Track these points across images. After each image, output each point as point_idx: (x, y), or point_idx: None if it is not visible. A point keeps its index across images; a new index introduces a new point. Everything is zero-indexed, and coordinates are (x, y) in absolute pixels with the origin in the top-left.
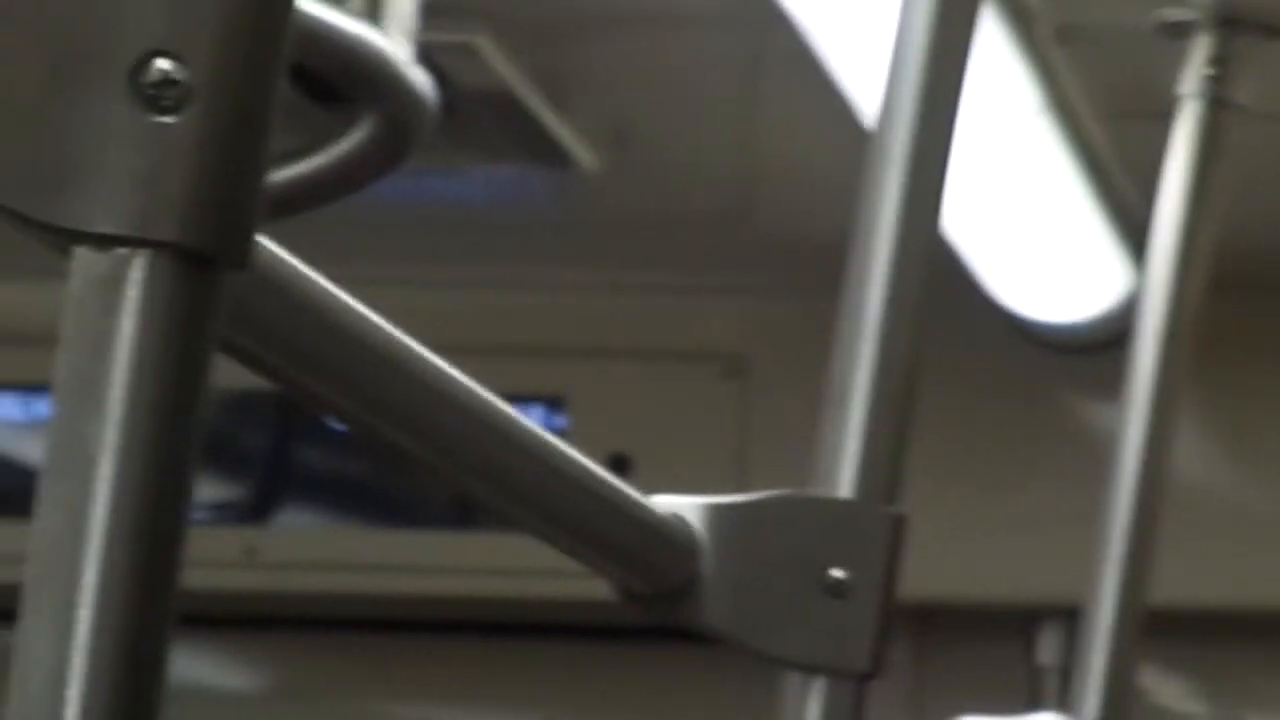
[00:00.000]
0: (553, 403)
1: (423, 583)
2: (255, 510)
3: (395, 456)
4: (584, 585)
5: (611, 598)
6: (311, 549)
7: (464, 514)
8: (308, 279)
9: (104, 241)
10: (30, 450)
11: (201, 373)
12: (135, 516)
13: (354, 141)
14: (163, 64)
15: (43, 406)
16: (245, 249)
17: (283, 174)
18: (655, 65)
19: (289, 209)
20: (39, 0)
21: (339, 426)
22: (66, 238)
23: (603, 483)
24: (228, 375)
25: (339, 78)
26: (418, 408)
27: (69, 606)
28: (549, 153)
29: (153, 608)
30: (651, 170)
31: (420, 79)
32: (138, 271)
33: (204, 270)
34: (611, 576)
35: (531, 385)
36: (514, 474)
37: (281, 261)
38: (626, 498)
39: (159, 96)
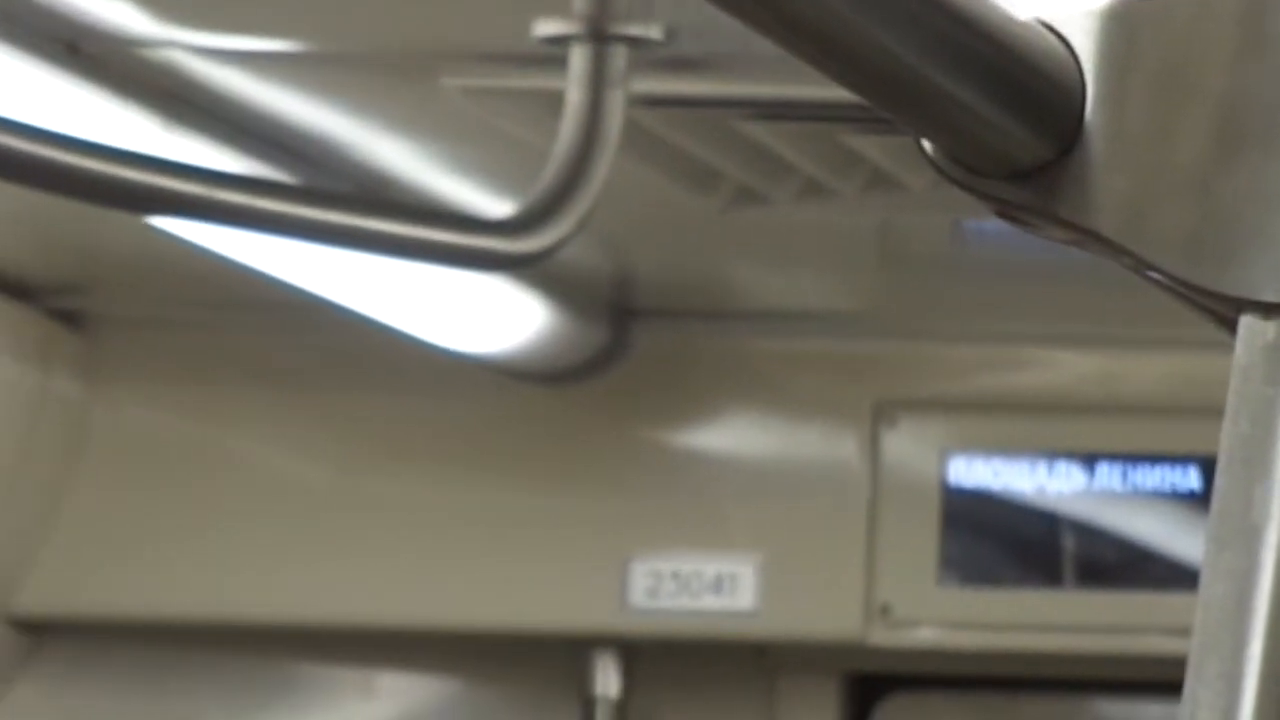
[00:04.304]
0: None
1: None
2: None
3: None
4: None
5: None
6: None
7: None
8: None
9: (1271, 310)
10: (1128, 522)
11: None
12: None
13: None
14: None
15: (1142, 477)
16: None
17: None
18: None
19: None
20: (1234, 65)
21: None
22: (1233, 306)
23: None
24: None
25: None
26: None
27: (1235, 678)
28: None
29: None
30: None
31: None
32: None
33: None
34: None
35: None
36: None
37: None
38: None
39: None
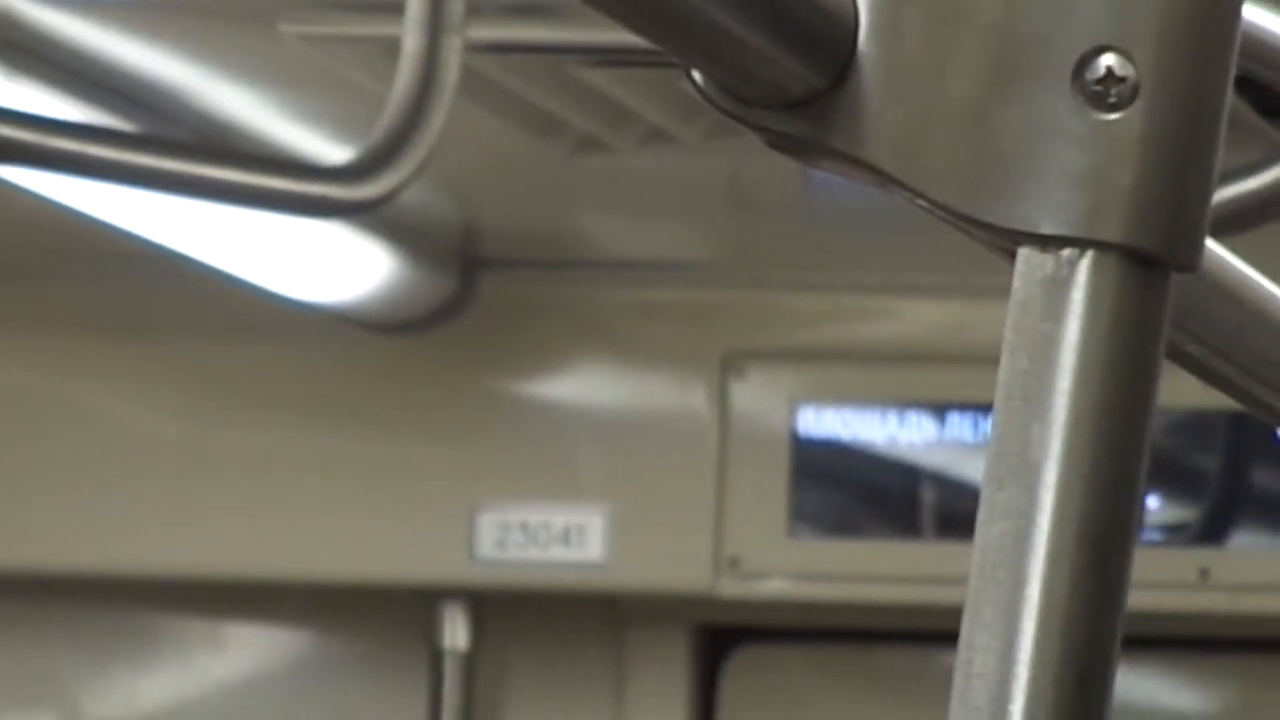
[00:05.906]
0: None
1: None
2: (1209, 532)
3: None
4: None
5: None
6: (1267, 571)
7: None
8: (1258, 285)
9: (1049, 242)
10: (979, 472)
11: (1149, 378)
12: (1080, 526)
13: None
14: (1108, 60)
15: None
16: (1194, 251)
17: (1228, 190)
18: None
19: (1234, 226)
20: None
21: None
22: (1011, 239)
23: None
24: (1177, 393)
25: None
26: None
27: (1013, 619)
28: None
29: (1099, 618)
30: None
31: None
32: (1082, 273)
33: (1151, 272)
34: None
35: None
36: None
37: (1229, 265)
38: None
39: (1104, 93)
